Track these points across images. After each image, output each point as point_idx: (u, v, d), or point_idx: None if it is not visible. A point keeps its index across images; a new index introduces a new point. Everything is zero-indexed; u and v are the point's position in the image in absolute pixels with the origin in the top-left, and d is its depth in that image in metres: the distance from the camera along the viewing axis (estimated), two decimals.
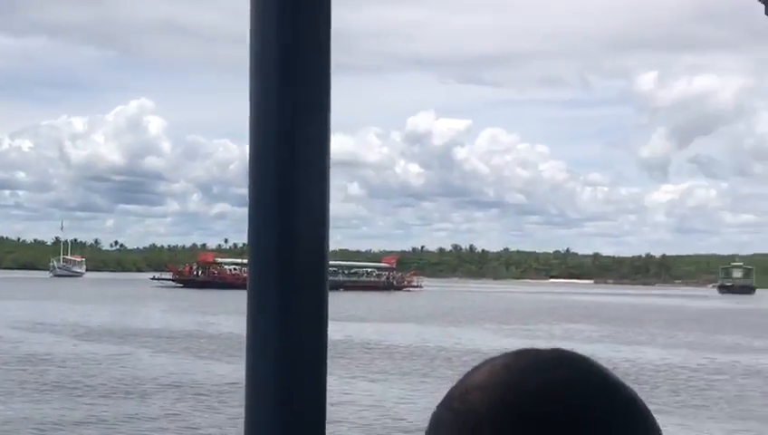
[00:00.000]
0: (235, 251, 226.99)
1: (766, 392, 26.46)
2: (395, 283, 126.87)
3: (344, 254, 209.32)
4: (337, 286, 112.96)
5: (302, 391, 1.37)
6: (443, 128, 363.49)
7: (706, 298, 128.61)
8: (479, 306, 74.69)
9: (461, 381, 0.98)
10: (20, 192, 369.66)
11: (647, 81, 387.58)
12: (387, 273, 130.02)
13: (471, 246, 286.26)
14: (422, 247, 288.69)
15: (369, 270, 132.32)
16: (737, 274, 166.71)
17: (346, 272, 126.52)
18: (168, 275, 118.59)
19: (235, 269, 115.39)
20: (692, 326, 56.05)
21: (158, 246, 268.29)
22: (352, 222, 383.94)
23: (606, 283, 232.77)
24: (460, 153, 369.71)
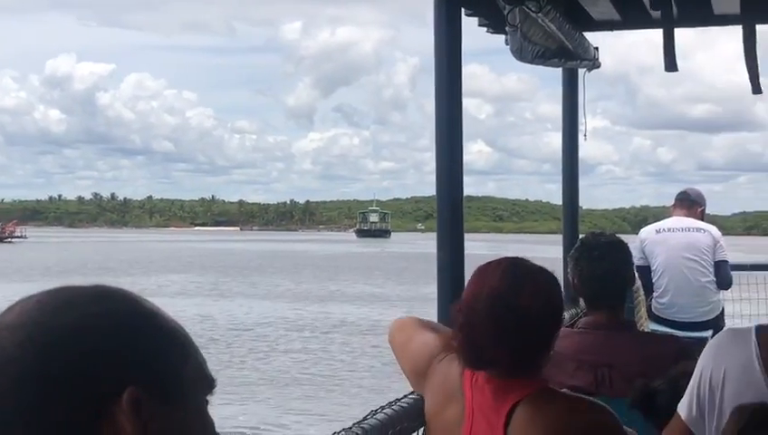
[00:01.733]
0: None
1: (347, 351, 22.65)
2: None
3: None
4: None
5: None
6: (84, 72, 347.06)
7: (345, 242, 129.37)
8: (86, 259, 67.72)
9: None
10: None
11: (292, 30, 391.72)
12: None
13: (113, 195, 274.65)
14: (59, 196, 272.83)
15: None
16: (374, 218, 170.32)
17: None
18: None
19: None
20: (311, 272, 53.03)
21: None
22: None
23: (251, 229, 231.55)
24: (104, 99, 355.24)
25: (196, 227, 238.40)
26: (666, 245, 6.47)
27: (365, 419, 2.55)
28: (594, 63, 5.64)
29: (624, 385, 2.99)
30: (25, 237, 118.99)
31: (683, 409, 2.47)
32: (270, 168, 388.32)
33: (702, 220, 6.73)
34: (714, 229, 6.68)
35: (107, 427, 0.90)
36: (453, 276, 3.67)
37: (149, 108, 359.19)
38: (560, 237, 5.96)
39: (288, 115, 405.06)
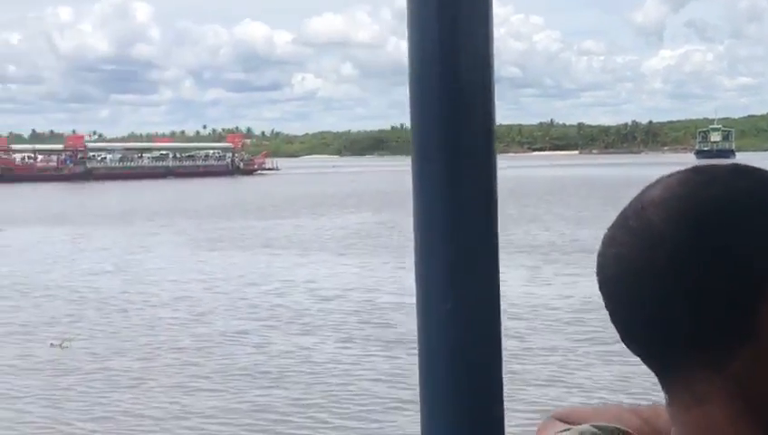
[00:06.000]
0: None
1: None
2: (241, 166, 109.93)
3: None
4: (164, 174, 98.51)
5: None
6: None
7: (678, 165, 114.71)
8: (327, 191, 60.52)
9: (635, 200, 0.94)
10: (12, 86, 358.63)
11: None
12: (230, 155, 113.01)
13: None
14: (401, 125, 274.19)
15: (211, 152, 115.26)
16: (715, 137, 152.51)
17: (178, 156, 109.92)
18: None
19: (29, 158, 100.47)
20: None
21: (138, 134, 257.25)
22: (347, 103, 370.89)
23: (591, 153, 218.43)
24: None
25: (534, 153, 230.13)
26: None
27: None
28: None
29: None
30: (278, 169, 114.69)
31: None
32: (619, 89, 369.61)
33: None
34: None
35: (765, 309, 0.87)
36: None
37: (497, 34, 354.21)
38: None
39: (636, 33, 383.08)
